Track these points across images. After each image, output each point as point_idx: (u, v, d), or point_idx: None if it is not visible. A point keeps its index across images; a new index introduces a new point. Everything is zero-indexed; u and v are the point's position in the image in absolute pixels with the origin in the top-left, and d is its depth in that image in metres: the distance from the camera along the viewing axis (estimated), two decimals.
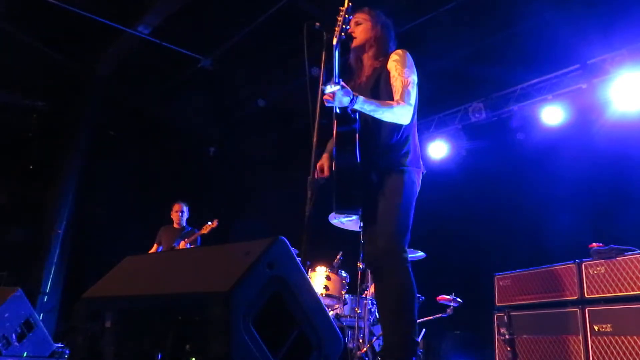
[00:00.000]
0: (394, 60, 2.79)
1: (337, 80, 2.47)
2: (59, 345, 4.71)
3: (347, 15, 2.62)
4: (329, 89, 2.46)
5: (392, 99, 2.71)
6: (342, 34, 2.63)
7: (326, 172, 2.87)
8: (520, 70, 6.30)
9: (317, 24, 2.66)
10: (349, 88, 2.51)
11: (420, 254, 4.93)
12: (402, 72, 2.73)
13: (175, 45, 6.90)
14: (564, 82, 6.23)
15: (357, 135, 2.62)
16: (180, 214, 6.44)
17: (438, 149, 7.38)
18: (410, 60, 2.80)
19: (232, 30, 6.70)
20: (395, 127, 2.74)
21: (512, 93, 6.71)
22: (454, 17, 5.80)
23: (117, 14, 6.53)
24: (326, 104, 2.53)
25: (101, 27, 6.56)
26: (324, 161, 2.92)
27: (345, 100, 2.49)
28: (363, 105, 2.55)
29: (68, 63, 7.50)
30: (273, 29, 6.38)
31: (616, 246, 3.55)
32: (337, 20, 2.66)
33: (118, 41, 7.08)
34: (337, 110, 2.60)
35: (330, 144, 3.00)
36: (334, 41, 2.62)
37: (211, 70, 7.38)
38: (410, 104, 2.68)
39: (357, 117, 2.65)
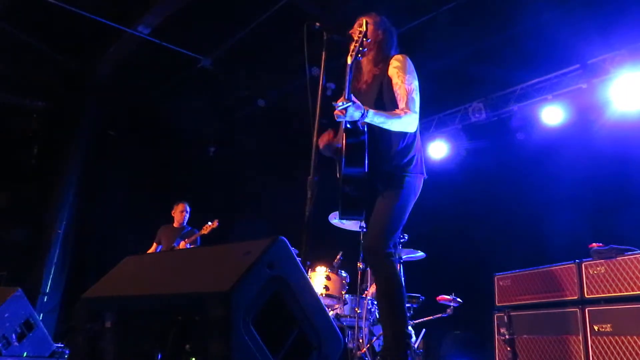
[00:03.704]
0: (394, 67, 2.81)
1: (348, 96, 2.51)
2: (59, 345, 4.70)
3: (365, 39, 2.65)
4: (341, 105, 2.50)
5: (396, 106, 2.74)
6: (359, 55, 2.66)
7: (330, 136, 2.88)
8: (520, 70, 6.30)
9: (317, 24, 2.67)
10: (360, 103, 2.55)
11: (420, 254, 4.93)
12: (404, 79, 2.76)
13: (175, 45, 6.89)
14: (564, 82, 6.23)
15: (366, 146, 2.66)
16: (185, 214, 6.47)
17: (438, 149, 7.38)
18: (411, 66, 2.83)
19: (232, 30, 6.69)
20: (401, 135, 2.78)
21: (512, 93, 6.71)
22: (453, 17, 5.79)
23: (117, 14, 6.52)
24: (337, 119, 2.57)
25: (101, 27, 6.55)
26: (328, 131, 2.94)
27: (357, 115, 2.54)
28: (373, 118, 2.60)
29: (68, 63, 7.50)
30: (273, 29, 6.38)
31: (616, 246, 3.55)
32: (351, 36, 2.70)
33: (118, 41, 7.07)
34: (348, 125, 2.64)
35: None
36: (349, 61, 2.66)
37: (211, 70, 7.37)
38: (415, 112, 2.73)
39: (366, 129, 2.69)
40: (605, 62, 5.82)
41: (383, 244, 2.64)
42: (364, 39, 2.66)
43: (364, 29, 2.66)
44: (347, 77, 2.60)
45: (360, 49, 2.66)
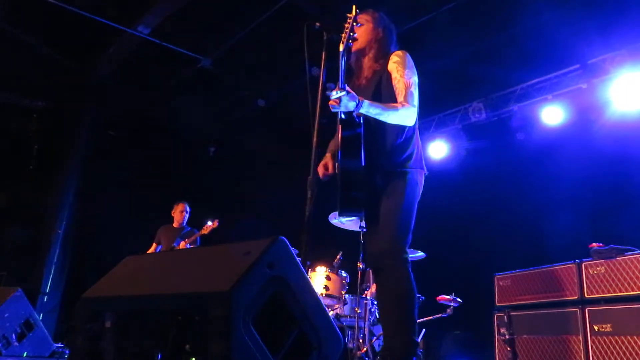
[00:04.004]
0: (394, 62, 2.79)
1: (342, 86, 2.47)
2: (59, 345, 4.71)
3: (354, 23, 2.63)
4: (335, 94, 2.46)
5: (394, 100, 2.71)
6: (350, 41, 2.64)
7: (330, 170, 2.86)
8: (520, 70, 6.30)
9: (317, 24, 2.66)
10: (354, 93, 2.51)
11: (420, 254, 4.93)
12: (403, 73, 2.73)
13: (175, 45, 6.89)
14: (564, 82, 6.23)
15: (362, 139, 2.61)
16: (185, 214, 6.47)
17: (438, 149, 7.39)
18: (410, 61, 2.81)
19: (232, 30, 6.69)
20: (399, 129, 2.74)
21: (512, 93, 6.71)
22: (453, 17, 5.79)
23: (117, 14, 6.52)
24: (332, 110, 2.53)
25: (101, 27, 6.55)
26: (328, 160, 2.92)
27: (351, 105, 2.50)
28: (369, 109, 2.55)
29: (68, 63, 7.50)
30: (273, 29, 6.38)
31: (616, 246, 3.55)
32: (344, 27, 2.66)
33: (118, 41, 7.07)
34: (343, 116, 2.59)
35: (333, 145, 3.00)
36: (341, 48, 2.63)
37: (211, 70, 7.38)
38: (414, 106, 2.69)
39: (362, 121, 2.64)
40: (605, 62, 5.82)
41: (398, 248, 2.57)
42: (354, 24, 2.62)
43: (353, 14, 2.62)
44: (341, 66, 2.56)
45: (352, 34, 2.62)
